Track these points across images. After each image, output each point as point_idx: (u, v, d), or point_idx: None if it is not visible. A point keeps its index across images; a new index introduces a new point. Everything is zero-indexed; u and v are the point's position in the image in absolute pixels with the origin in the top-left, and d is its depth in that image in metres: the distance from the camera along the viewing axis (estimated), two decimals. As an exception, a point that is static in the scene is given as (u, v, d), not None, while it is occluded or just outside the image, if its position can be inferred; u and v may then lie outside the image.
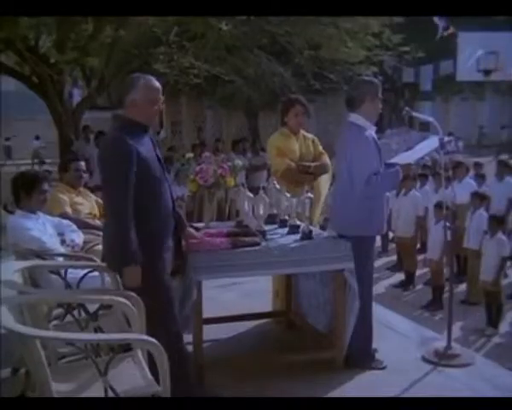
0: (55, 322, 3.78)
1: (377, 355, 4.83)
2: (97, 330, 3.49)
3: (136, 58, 12.44)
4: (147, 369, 3.23)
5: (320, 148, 5.63)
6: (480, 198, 8.78)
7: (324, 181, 5.58)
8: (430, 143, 4.97)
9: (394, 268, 10.19)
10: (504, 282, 7.83)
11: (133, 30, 10.07)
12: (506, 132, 26.84)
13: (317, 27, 12.02)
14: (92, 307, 3.60)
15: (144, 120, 3.75)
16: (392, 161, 4.68)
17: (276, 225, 4.92)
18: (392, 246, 10.90)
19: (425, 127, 6.72)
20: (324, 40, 12.56)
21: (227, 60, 13.57)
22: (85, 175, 6.13)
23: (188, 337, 4.41)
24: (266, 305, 5.72)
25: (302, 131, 5.56)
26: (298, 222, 4.77)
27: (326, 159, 5.56)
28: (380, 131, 20.89)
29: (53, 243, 4.55)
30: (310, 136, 5.59)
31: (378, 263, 10.27)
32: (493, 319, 7.57)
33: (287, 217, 4.91)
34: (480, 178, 10.66)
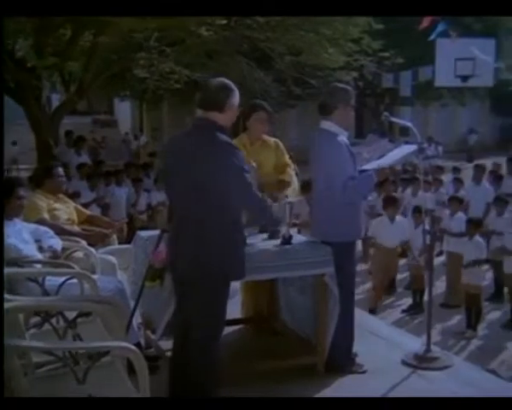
0: (32, 330, 3.74)
1: (358, 359, 4.84)
2: (76, 338, 3.46)
3: (116, 63, 12.40)
4: (126, 376, 3.21)
5: (285, 158, 5.45)
6: (458, 202, 8.86)
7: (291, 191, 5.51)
8: (405, 149, 5.00)
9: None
10: (483, 284, 7.89)
11: (113, 35, 10.02)
12: (474, 137, 27.00)
13: (298, 33, 12.07)
14: (71, 315, 3.57)
15: (229, 124, 3.86)
16: (366, 167, 4.71)
17: (256, 231, 4.91)
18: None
19: (405, 132, 6.79)
20: (305, 46, 12.61)
21: (208, 65, 13.57)
22: (64, 181, 6.10)
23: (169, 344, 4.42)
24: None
25: (265, 137, 5.43)
26: (278, 227, 4.77)
27: (288, 172, 5.42)
28: (360, 136, 21.02)
29: (30, 250, 4.51)
30: (272, 140, 5.42)
31: (359, 268, 10.31)
32: (473, 322, 7.62)
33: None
34: (459, 182, 10.78)
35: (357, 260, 10.34)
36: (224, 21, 10.51)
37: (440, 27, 16.30)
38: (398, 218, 8.63)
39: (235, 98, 3.82)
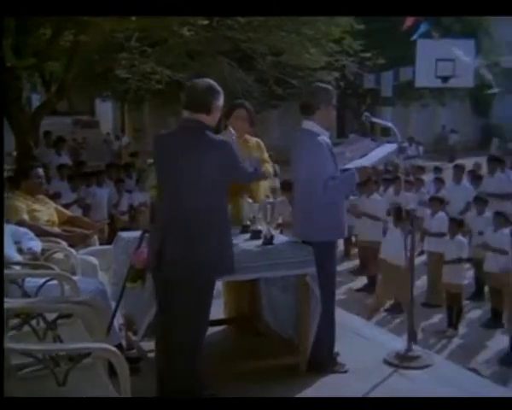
0: (11, 332, 3.70)
1: (339, 359, 4.86)
2: (56, 339, 3.43)
3: (97, 63, 12.32)
4: (107, 378, 3.19)
5: (265, 155, 5.46)
6: (439, 202, 8.92)
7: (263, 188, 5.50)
8: (386, 149, 5.03)
9: (357, 272, 10.27)
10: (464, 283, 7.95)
11: (94, 35, 9.95)
12: (455, 136, 27.20)
13: (279, 33, 12.08)
14: (51, 316, 3.54)
15: (214, 125, 3.96)
16: (348, 166, 4.73)
17: (237, 231, 4.91)
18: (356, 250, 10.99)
19: (386, 132, 6.85)
20: (286, 46, 12.62)
21: (189, 66, 13.52)
22: (43, 182, 6.05)
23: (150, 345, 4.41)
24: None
25: (246, 136, 5.45)
26: (260, 227, 4.78)
27: (266, 167, 5.35)
28: (342, 136, 21.09)
29: (9, 252, 4.47)
30: (253, 139, 5.43)
31: (341, 267, 10.35)
32: (454, 321, 7.68)
33: (248, 222, 4.91)
34: (439, 181, 10.86)
35: (339, 260, 10.48)
36: (206, 22, 10.47)
37: (423, 28, 16.39)
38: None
39: (221, 100, 3.92)
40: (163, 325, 3.98)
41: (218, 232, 3.83)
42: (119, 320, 4.87)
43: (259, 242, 4.59)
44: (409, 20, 16.06)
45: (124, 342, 4.85)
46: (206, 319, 3.99)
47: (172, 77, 12.95)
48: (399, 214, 8.32)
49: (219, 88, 3.93)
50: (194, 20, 9.98)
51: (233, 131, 4.71)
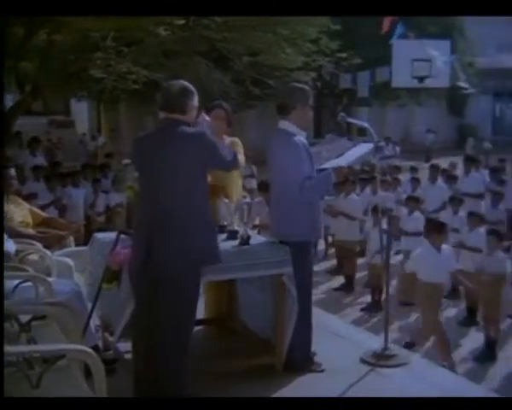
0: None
1: (316, 358, 4.87)
2: (30, 341, 3.39)
3: (72, 63, 12.22)
4: (83, 379, 3.17)
5: (237, 148, 5.27)
6: (415, 201, 8.97)
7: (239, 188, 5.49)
8: (362, 148, 5.06)
9: (334, 272, 10.29)
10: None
11: (69, 34, 9.88)
12: (431, 136, 27.41)
13: (256, 33, 12.09)
14: (25, 318, 3.50)
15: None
16: (324, 166, 4.74)
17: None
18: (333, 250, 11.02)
19: (363, 132, 6.90)
20: (263, 46, 12.63)
21: (166, 66, 13.48)
22: (15, 182, 5.99)
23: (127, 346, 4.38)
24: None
25: (223, 136, 5.43)
26: (236, 228, 4.78)
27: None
28: (319, 136, 21.13)
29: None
30: (230, 139, 5.38)
31: (318, 267, 10.38)
32: (430, 319, 7.72)
33: (225, 223, 4.90)
34: (416, 181, 10.93)
35: (317, 260, 10.51)
36: (182, 21, 10.46)
37: (399, 29, 16.53)
38: (444, 247, 6.74)
39: (195, 100, 4.02)
40: (146, 325, 3.97)
41: (203, 225, 3.91)
42: (95, 321, 4.84)
43: (236, 242, 4.59)
44: (386, 25, 16.18)
45: (100, 344, 4.82)
46: (194, 316, 4.06)
47: (149, 77, 12.90)
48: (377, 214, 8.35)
49: (193, 89, 4.02)
50: (170, 19, 9.96)
51: (206, 117, 4.71)
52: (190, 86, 4.02)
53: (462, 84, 17.33)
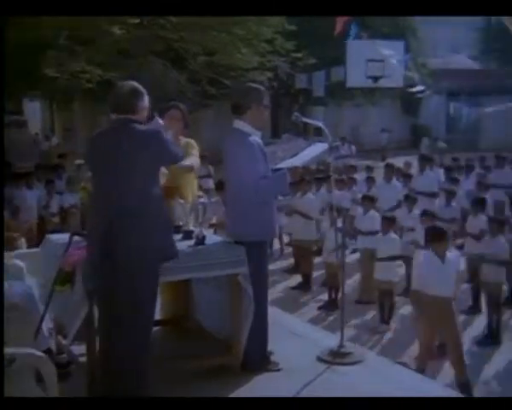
0: None
1: (273, 357, 4.87)
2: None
3: (24, 62, 12.00)
4: (34, 383, 3.11)
5: (192, 151, 5.37)
6: (370, 200, 9.07)
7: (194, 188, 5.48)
8: (317, 148, 5.08)
9: (291, 271, 10.34)
10: (396, 279, 8.09)
11: (21, 32, 9.70)
12: (386, 136, 27.76)
13: (211, 33, 12.07)
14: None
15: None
16: (279, 166, 4.75)
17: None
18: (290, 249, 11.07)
19: (319, 132, 6.92)
20: (218, 46, 12.63)
21: (121, 65, 13.36)
22: None
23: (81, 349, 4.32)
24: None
25: (179, 137, 5.37)
26: (192, 228, 4.76)
27: (188, 160, 5.27)
28: (276, 136, 21.20)
29: None
30: (186, 140, 5.40)
31: (275, 266, 10.41)
32: (386, 317, 7.82)
33: (181, 223, 4.87)
34: (371, 180, 11.05)
35: (273, 259, 10.55)
36: (137, 21, 10.37)
37: (353, 30, 16.67)
38: (450, 254, 6.08)
39: (145, 100, 4.08)
40: (103, 325, 3.98)
41: (159, 222, 3.96)
42: (48, 324, 4.75)
43: (191, 242, 4.57)
44: (339, 25, 16.29)
45: (53, 347, 4.73)
46: (152, 316, 4.07)
47: (103, 76, 12.77)
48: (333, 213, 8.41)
49: (143, 89, 4.08)
50: (124, 18, 9.86)
51: (160, 121, 4.68)
52: (140, 87, 4.08)
53: (416, 88, 17.55)
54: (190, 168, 5.19)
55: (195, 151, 5.40)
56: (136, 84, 4.10)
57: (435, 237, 6.02)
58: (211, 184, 12.86)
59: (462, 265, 5.84)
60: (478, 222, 8.33)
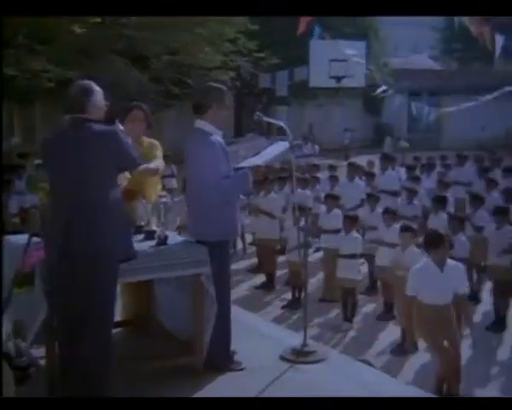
0: None
1: (237, 357, 4.87)
2: None
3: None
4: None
5: (156, 152, 5.36)
6: (333, 199, 9.11)
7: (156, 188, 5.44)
8: (279, 147, 5.09)
9: (255, 270, 10.34)
10: (358, 278, 8.15)
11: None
12: (348, 135, 27.91)
13: (173, 33, 12.01)
14: None
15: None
16: (241, 165, 4.75)
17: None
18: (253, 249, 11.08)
19: (283, 131, 6.90)
20: (181, 45, 12.57)
21: (82, 64, 13.20)
22: None
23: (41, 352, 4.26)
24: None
25: (142, 138, 5.33)
26: (154, 228, 4.73)
27: (153, 163, 5.26)
28: (240, 135, 21.19)
29: None
30: (149, 140, 5.39)
31: (239, 265, 10.41)
32: (349, 315, 7.87)
33: (142, 223, 4.84)
34: (334, 179, 11.11)
35: (236, 258, 10.54)
36: (99, 19, 10.27)
37: (317, 30, 16.72)
38: (449, 262, 5.65)
39: (97, 97, 4.05)
40: (62, 326, 3.96)
41: (117, 222, 3.93)
42: (7, 327, 4.66)
43: (153, 242, 4.54)
44: (302, 26, 16.32)
45: (12, 350, 4.65)
46: (112, 316, 4.06)
47: (65, 75, 12.59)
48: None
49: (94, 87, 4.06)
50: (86, 17, 9.76)
51: (120, 126, 4.63)
52: (91, 85, 4.05)
53: (379, 89, 17.73)
54: (156, 171, 5.16)
55: (159, 152, 5.38)
56: (87, 82, 4.09)
57: (432, 243, 5.61)
58: (174, 183, 12.81)
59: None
60: (439, 220, 8.44)
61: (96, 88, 4.06)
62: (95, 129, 3.91)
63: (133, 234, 4.72)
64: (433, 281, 5.51)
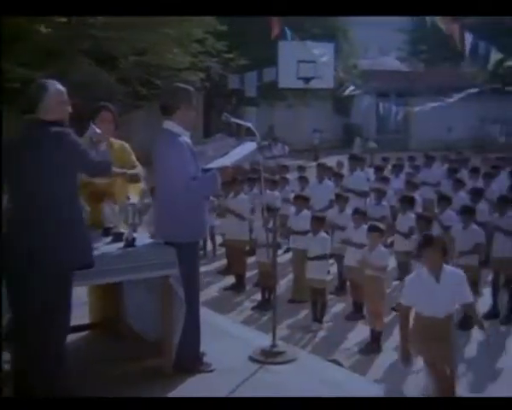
0: None
1: (206, 358, 4.86)
2: None
3: None
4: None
5: (132, 157, 5.38)
6: (303, 200, 9.13)
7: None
8: (247, 147, 5.09)
9: (225, 271, 10.31)
10: (328, 278, 8.18)
11: None
12: (318, 136, 27.98)
13: (140, 33, 11.93)
14: None
15: (60, 117, 3.99)
16: (210, 166, 4.74)
17: (98, 234, 4.79)
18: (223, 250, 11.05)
19: (251, 132, 6.87)
20: (148, 46, 12.50)
21: (48, 64, 13.04)
22: None
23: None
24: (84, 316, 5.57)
25: (111, 139, 5.29)
26: (122, 230, 4.69)
27: (138, 169, 5.34)
28: (209, 136, 21.14)
29: None
30: (118, 142, 5.37)
31: (209, 267, 10.37)
32: (318, 315, 7.88)
33: (110, 225, 4.80)
34: (303, 180, 11.13)
35: (206, 260, 10.50)
36: (65, 19, 10.15)
37: (288, 32, 16.76)
38: (447, 269, 5.02)
39: (50, 93, 3.94)
40: (18, 326, 3.92)
41: (72, 226, 3.88)
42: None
43: (121, 244, 4.50)
44: (275, 29, 16.34)
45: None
46: (67, 319, 3.99)
47: (30, 76, 12.42)
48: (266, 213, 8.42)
49: (50, 86, 3.97)
50: (51, 17, 9.64)
51: (97, 130, 4.58)
52: (46, 84, 3.97)
53: (348, 89, 17.82)
54: (138, 178, 5.16)
55: (133, 157, 5.36)
56: (43, 81, 4.02)
57: (424, 245, 5.02)
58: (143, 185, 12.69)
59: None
60: (407, 220, 8.51)
61: (53, 87, 3.96)
62: (50, 131, 3.85)
63: (101, 236, 4.70)
64: (429, 292, 4.94)
